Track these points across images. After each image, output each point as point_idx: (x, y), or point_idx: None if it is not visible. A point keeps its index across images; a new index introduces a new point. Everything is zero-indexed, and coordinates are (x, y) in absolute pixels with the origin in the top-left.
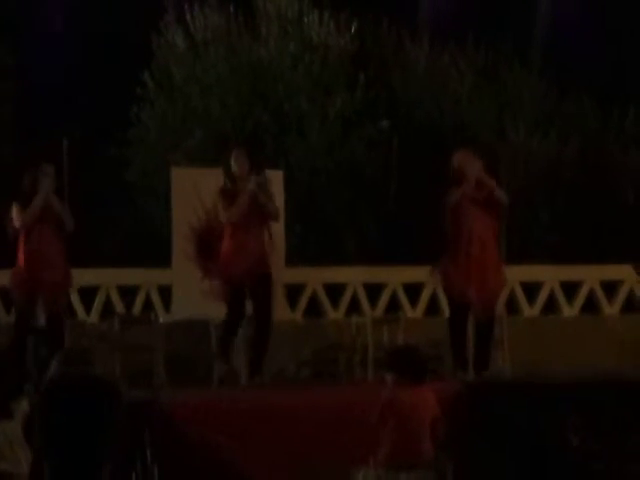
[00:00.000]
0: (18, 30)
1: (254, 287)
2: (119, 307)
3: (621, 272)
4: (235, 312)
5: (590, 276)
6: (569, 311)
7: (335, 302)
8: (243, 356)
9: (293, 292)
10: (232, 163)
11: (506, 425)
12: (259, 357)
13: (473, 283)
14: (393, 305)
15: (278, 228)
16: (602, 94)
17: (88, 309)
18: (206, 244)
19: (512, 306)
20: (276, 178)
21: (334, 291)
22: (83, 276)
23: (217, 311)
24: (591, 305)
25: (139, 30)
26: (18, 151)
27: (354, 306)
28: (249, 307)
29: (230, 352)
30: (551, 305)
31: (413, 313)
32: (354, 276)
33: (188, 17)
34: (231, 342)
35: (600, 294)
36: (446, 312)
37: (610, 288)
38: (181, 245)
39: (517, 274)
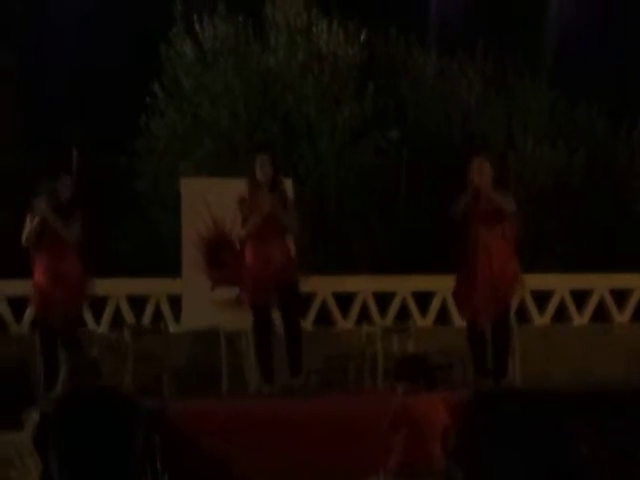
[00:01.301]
0: (24, 37)
1: (280, 295)
2: (129, 317)
3: (631, 280)
4: (262, 324)
5: (600, 284)
6: (579, 320)
7: (345, 311)
8: (254, 365)
9: (303, 301)
10: (257, 169)
11: (516, 433)
12: (297, 358)
13: (481, 294)
14: (403, 314)
15: None
16: (611, 104)
17: (98, 319)
18: (215, 253)
19: (522, 315)
20: (285, 187)
21: (344, 300)
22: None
23: (227, 321)
24: (601, 313)
25: (148, 40)
26: (24, 159)
27: (364, 315)
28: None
29: (271, 368)
30: (561, 314)
31: (423, 322)
32: (364, 285)
33: (197, 27)
34: (268, 357)
35: (610, 302)
36: (456, 321)
37: (620, 296)
38: (191, 255)
39: (527, 283)
